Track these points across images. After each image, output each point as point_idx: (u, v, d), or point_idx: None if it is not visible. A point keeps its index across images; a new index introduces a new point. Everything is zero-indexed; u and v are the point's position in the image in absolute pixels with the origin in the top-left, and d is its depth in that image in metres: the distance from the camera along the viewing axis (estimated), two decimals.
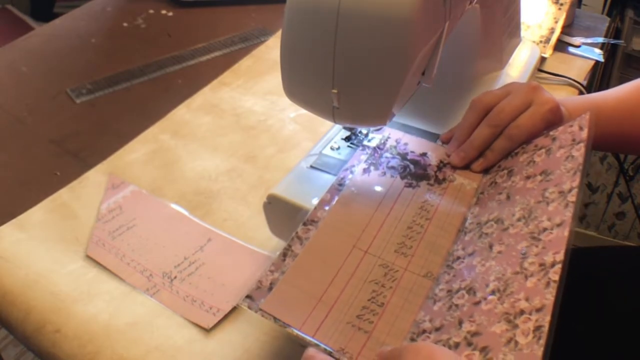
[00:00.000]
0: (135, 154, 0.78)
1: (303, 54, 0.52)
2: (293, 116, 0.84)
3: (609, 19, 1.09)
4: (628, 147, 0.71)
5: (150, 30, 1.07)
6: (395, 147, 0.61)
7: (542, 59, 0.92)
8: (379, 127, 0.65)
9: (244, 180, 0.75)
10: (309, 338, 0.44)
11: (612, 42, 1.05)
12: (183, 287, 0.61)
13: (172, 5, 1.13)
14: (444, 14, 0.54)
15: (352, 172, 0.58)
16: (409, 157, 0.60)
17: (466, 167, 0.60)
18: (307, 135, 0.81)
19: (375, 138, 0.64)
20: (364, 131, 0.64)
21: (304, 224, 0.52)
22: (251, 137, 0.81)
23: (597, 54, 0.96)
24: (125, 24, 1.08)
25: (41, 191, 0.72)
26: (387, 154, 0.60)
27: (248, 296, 0.46)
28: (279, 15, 0.52)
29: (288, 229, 0.61)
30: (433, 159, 0.60)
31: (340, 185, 0.56)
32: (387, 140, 0.62)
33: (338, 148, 0.64)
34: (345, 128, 0.65)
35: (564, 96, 0.87)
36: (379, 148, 0.61)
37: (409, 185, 0.57)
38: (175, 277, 0.62)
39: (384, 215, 0.54)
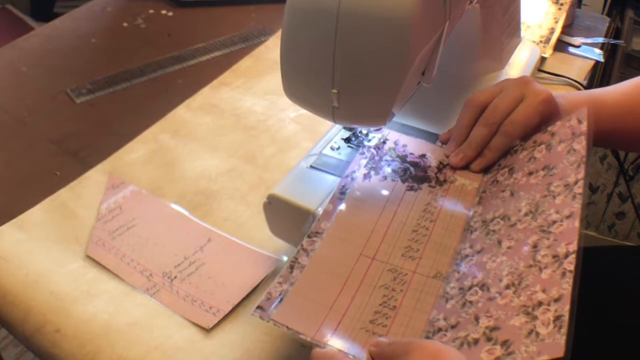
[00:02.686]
0: (135, 154, 0.78)
1: (303, 54, 0.52)
2: (293, 116, 0.84)
3: (609, 19, 1.09)
4: (629, 144, 0.71)
5: (150, 30, 1.07)
6: (394, 149, 0.61)
7: (542, 59, 0.92)
8: (379, 127, 0.65)
9: (244, 180, 0.74)
10: (323, 344, 0.44)
11: (612, 42, 1.05)
12: (183, 287, 0.61)
13: (172, 5, 1.13)
14: (444, 14, 0.54)
15: (353, 179, 0.57)
16: (408, 159, 0.60)
17: (466, 167, 0.60)
18: (307, 135, 0.81)
19: (374, 137, 0.64)
20: (364, 131, 0.64)
21: (309, 236, 0.52)
22: (251, 137, 0.81)
23: (597, 54, 0.96)
24: (125, 24, 1.08)
25: (41, 191, 0.72)
26: (387, 157, 0.60)
27: (259, 307, 0.46)
28: (279, 15, 0.51)
29: (288, 229, 0.61)
30: (432, 160, 0.60)
31: (342, 193, 0.56)
32: (385, 141, 0.62)
33: (338, 148, 0.64)
34: (345, 128, 0.65)
35: None
36: (377, 148, 0.61)
37: (411, 189, 0.57)
38: (175, 277, 0.62)
39: (388, 221, 0.54)
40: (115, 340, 0.56)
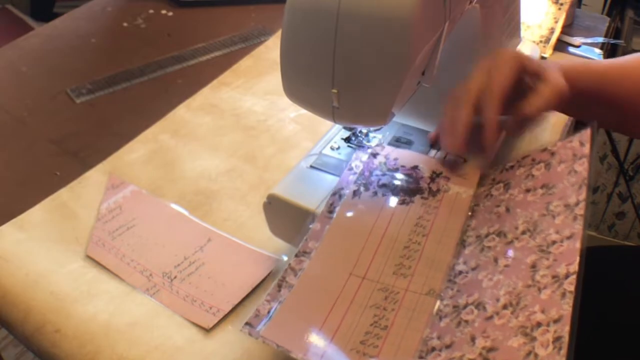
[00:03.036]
0: (135, 154, 0.78)
1: (303, 54, 0.52)
2: (293, 116, 0.84)
3: (609, 19, 1.09)
4: (608, 114, 0.66)
5: (150, 30, 1.07)
6: (384, 163, 0.59)
7: (542, 59, 0.92)
8: (379, 127, 0.65)
9: (244, 180, 0.74)
10: None
11: (612, 42, 1.05)
12: (183, 287, 0.61)
13: (172, 5, 1.13)
14: (444, 14, 0.54)
15: (341, 197, 0.56)
16: (400, 172, 0.59)
17: (460, 175, 0.58)
18: (307, 135, 0.81)
19: (375, 138, 0.64)
20: (364, 131, 0.64)
21: (296, 256, 0.51)
22: (251, 137, 0.81)
23: (597, 54, 0.96)
24: (125, 24, 1.08)
25: (41, 191, 0.72)
26: (377, 172, 0.58)
27: (247, 323, 0.45)
28: (279, 15, 0.51)
29: (288, 229, 0.61)
30: (425, 170, 0.59)
31: (330, 212, 0.54)
32: (375, 155, 0.60)
33: (338, 148, 0.64)
34: (345, 128, 0.65)
35: None
36: (367, 164, 0.59)
37: (403, 202, 0.56)
38: (175, 277, 0.62)
39: (378, 239, 0.53)
40: (115, 340, 0.56)
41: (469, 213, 0.55)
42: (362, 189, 0.57)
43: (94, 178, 0.75)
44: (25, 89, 0.92)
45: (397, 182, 0.57)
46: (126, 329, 0.58)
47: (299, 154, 0.76)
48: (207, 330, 0.57)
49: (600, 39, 1.00)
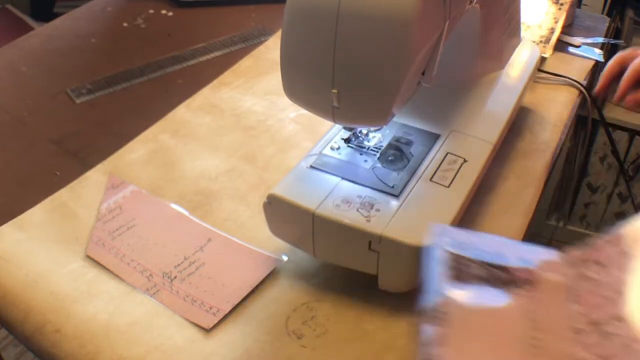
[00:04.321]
0: (135, 154, 0.78)
1: (303, 54, 0.52)
2: (293, 116, 0.84)
3: (609, 19, 1.09)
4: None
5: (150, 30, 1.07)
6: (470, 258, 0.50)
7: (542, 59, 0.92)
8: (379, 127, 0.65)
9: (244, 180, 0.75)
10: None
11: (612, 42, 1.05)
12: (183, 287, 0.61)
13: (172, 5, 1.13)
14: (444, 14, 0.54)
15: (440, 294, 0.46)
16: (488, 262, 0.49)
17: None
18: (307, 135, 0.81)
19: (374, 137, 0.64)
20: (364, 131, 0.64)
21: None
22: (251, 137, 0.81)
23: (597, 54, 0.96)
24: (125, 24, 1.08)
25: (41, 191, 0.72)
26: (464, 262, 0.49)
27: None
28: (279, 15, 0.51)
29: (288, 229, 0.61)
30: (511, 257, 0.50)
31: (434, 316, 0.45)
32: (461, 247, 0.50)
33: (338, 148, 0.64)
34: (345, 128, 0.65)
35: (564, 96, 0.87)
36: (455, 260, 0.49)
37: (503, 295, 0.48)
38: (175, 277, 0.62)
39: (500, 339, 0.45)
40: (115, 340, 0.56)
41: (567, 295, 0.48)
42: (456, 283, 0.48)
43: (94, 178, 0.75)
44: (25, 89, 0.92)
45: (487, 273, 0.50)
46: (126, 329, 0.58)
47: (299, 154, 0.76)
48: (207, 330, 0.57)
49: (600, 39, 1.00)
